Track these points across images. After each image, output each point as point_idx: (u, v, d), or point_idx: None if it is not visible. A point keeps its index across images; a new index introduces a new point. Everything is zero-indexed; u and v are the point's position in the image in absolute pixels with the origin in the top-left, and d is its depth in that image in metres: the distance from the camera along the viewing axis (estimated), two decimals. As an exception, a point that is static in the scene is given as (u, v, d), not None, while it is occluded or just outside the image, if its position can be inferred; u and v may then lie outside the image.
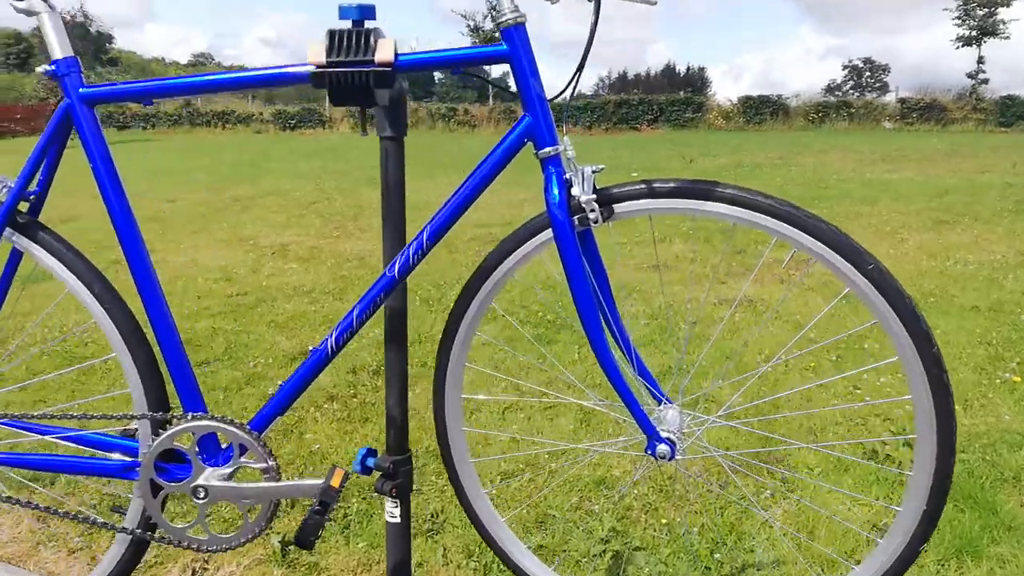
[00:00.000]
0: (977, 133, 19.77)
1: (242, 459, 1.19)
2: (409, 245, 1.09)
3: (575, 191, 1.04)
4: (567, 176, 1.05)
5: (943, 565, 1.72)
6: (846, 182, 8.93)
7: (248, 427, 1.17)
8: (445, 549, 1.82)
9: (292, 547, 1.84)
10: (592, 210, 1.03)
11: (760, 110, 22.75)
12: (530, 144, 1.06)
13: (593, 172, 1.05)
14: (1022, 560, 1.73)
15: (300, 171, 11.35)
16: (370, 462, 1.22)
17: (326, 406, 2.65)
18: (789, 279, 4.43)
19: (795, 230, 0.98)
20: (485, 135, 21.56)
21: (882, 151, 13.30)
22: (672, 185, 1.03)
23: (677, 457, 1.14)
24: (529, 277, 3.90)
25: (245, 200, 8.16)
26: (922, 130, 20.72)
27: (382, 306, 1.19)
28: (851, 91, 47.57)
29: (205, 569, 1.77)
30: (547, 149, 1.04)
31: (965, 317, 3.63)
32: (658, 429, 1.13)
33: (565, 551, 1.81)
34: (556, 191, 1.04)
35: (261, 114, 26.10)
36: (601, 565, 1.76)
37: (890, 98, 24.32)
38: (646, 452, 1.14)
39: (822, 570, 1.70)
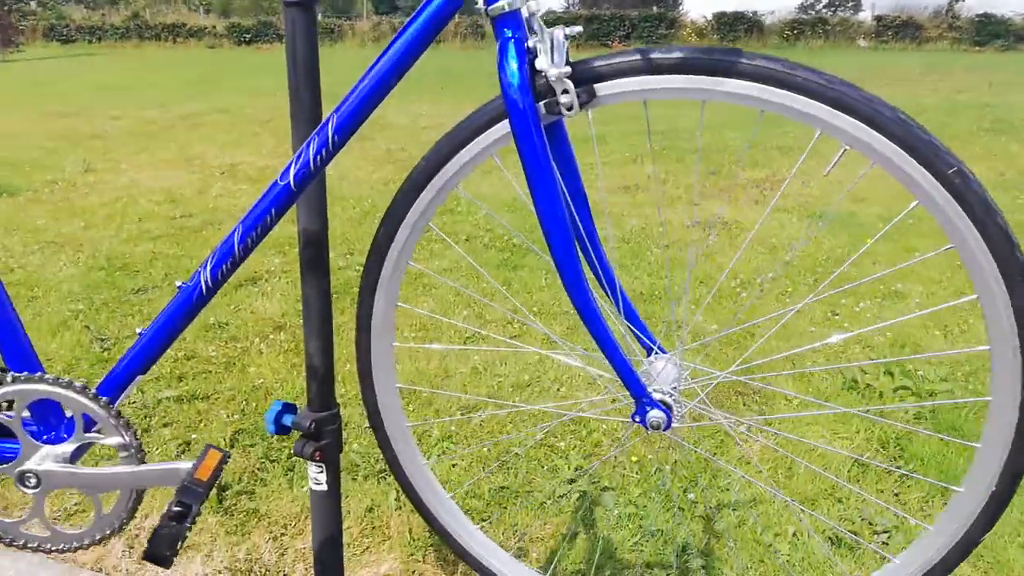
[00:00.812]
0: (952, 52, 19.52)
1: (88, 435, 0.91)
2: (309, 143, 0.79)
3: (541, 63, 0.73)
4: (530, 43, 0.74)
5: (927, 503, 1.62)
6: (821, 101, 8.71)
7: (95, 393, 0.89)
8: (398, 492, 1.67)
9: (230, 491, 1.68)
10: (565, 91, 0.74)
11: (734, 27, 22.18)
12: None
13: (567, 37, 0.74)
14: (1008, 495, 1.65)
15: (255, 87, 10.76)
16: (287, 420, 0.98)
17: (272, 337, 2.46)
18: (764, 200, 4.27)
19: (850, 119, 0.71)
20: (449, 50, 20.77)
21: (858, 70, 13.03)
22: (679, 55, 0.72)
23: (675, 425, 0.86)
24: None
25: (194, 118, 7.68)
26: (897, 48, 20.41)
27: (292, 226, 0.96)
28: (824, 9, 46.57)
29: (132, 518, 1.60)
30: (500, 3, 0.73)
31: (942, 240, 3.51)
32: (649, 389, 0.86)
33: (529, 491, 1.68)
34: (514, 65, 0.73)
35: (215, 27, 24.81)
36: (567, 507, 1.64)
37: (865, 16, 23.82)
38: (633, 420, 0.86)
39: (802, 509, 1.59)
